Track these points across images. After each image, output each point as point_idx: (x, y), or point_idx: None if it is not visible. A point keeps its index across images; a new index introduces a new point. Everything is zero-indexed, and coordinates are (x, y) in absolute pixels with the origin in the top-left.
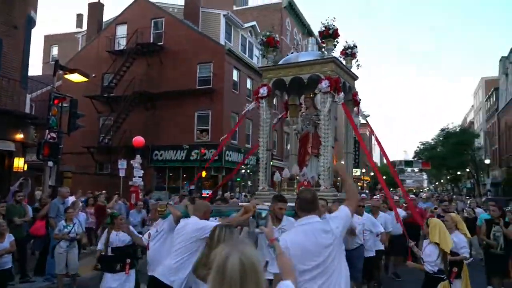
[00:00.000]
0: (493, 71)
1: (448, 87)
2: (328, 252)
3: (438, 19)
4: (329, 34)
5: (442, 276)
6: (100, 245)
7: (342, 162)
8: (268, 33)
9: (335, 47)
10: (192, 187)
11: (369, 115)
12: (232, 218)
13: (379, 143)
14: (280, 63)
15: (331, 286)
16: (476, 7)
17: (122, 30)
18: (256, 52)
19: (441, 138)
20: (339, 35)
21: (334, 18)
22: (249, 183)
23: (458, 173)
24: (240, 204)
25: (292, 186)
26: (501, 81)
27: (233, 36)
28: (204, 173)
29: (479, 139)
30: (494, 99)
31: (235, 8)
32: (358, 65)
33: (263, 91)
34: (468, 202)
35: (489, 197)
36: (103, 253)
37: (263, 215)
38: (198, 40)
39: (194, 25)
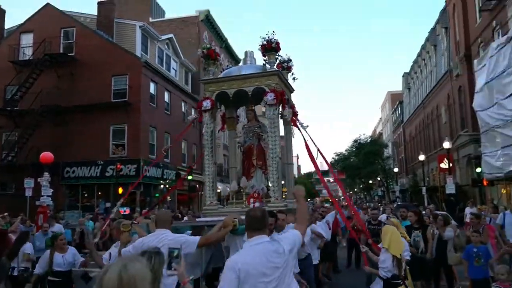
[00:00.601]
0: (398, 86)
1: (359, 100)
2: (279, 273)
3: (341, 37)
4: (272, 48)
5: (398, 281)
6: (38, 269)
7: (302, 187)
8: (208, 46)
9: (276, 60)
10: (108, 204)
11: (308, 126)
12: (210, 234)
13: (311, 156)
14: (221, 76)
15: None
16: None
17: (27, 39)
18: (173, 64)
19: (354, 149)
20: (280, 49)
21: (273, 32)
22: (168, 198)
23: (370, 181)
24: (202, 220)
25: (241, 198)
26: (405, 95)
27: (150, 48)
28: (120, 190)
29: (388, 149)
30: (399, 111)
31: (151, 20)
32: (294, 78)
33: (206, 104)
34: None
35: (399, 203)
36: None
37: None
38: (112, 52)
39: (108, 36)
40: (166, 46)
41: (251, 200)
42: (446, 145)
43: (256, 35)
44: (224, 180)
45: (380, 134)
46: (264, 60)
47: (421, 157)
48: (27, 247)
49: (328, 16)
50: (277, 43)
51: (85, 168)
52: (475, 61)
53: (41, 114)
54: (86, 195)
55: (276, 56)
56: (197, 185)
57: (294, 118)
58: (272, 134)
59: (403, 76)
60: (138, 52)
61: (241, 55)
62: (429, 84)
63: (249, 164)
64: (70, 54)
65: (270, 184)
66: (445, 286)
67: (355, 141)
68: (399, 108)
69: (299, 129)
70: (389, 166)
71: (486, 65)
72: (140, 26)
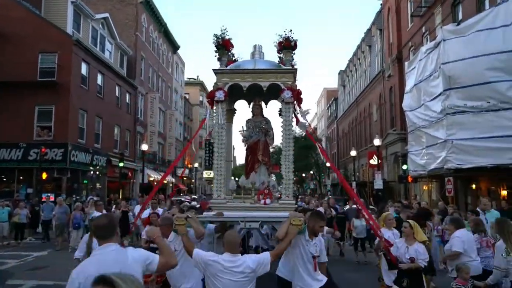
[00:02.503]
0: (334, 83)
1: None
2: None
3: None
4: (289, 46)
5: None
6: (79, 253)
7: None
8: (223, 35)
9: (292, 58)
10: (30, 190)
11: (308, 113)
12: (281, 246)
13: (322, 149)
14: (231, 67)
15: None
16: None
17: None
18: (108, 46)
19: None
20: (297, 47)
21: (291, 30)
22: (98, 185)
23: (303, 175)
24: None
25: (250, 194)
26: (340, 92)
27: (83, 26)
28: (44, 175)
29: (322, 144)
30: (334, 107)
31: None
32: (292, 66)
33: (220, 95)
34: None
35: (330, 196)
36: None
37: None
38: (40, 26)
39: (35, 9)
40: (101, 26)
41: (261, 196)
42: (376, 142)
43: (198, 23)
44: (157, 168)
45: (315, 129)
46: (279, 57)
47: (353, 153)
48: None
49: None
50: (295, 42)
51: (4, 150)
52: (406, 63)
53: None
54: (4, 179)
55: (292, 54)
56: (129, 173)
57: (310, 129)
58: (286, 132)
59: (339, 73)
60: (69, 29)
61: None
62: (363, 82)
63: (254, 159)
64: None
65: (283, 182)
66: None
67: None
68: (334, 105)
69: (314, 139)
70: (322, 160)
71: (415, 68)
72: (72, 2)
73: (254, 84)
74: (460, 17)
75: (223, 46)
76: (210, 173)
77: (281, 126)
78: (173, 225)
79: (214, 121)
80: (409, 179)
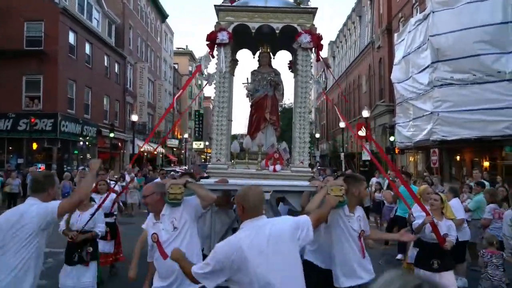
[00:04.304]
0: (324, 53)
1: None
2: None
3: None
4: None
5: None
6: (62, 225)
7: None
8: None
9: None
10: (21, 160)
11: (330, 67)
12: (321, 211)
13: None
14: (237, 4)
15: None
16: None
17: None
18: (95, 14)
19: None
20: None
21: None
22: (88, 156)
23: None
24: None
25: (256, 158)
26: (330, 62)
27: None
28: (35, 145)
29: (311, 115)
30: (324, 78)
31: None
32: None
33: (223, 36)
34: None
35: (319, 167)
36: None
37: None
38: None
39: None
40: None
41: (270, 161)
42: (365, 113)
43: None
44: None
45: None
46: None
47: (342, 124)
48: None
49: None
50: None
51: None
52: (396, 35)
53: None
54: None
55: None
56: (119, 143)
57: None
58: (303, 85)
59: (329, 44)
60: None
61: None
62: (353, 53)
63: (259, 117)
64: None
65: (296, 145)
66: None
67: (280, 105)
68: (323, 75)
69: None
70: (311, 131)
71: (404, 40)
72: None
73: (264, 27)
74: None
75: None
76: (200, 144)
77: (295, 77)
78: (167, 194)
79: (214, 70)
80: (396, 150)
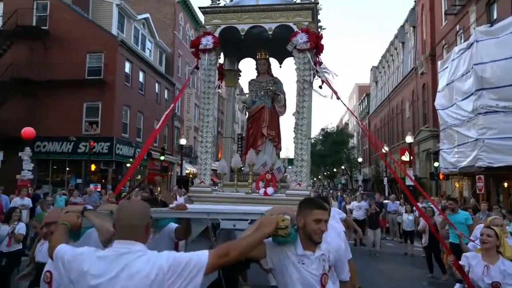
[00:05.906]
0: (366, 79)
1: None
2: None
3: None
4: None
5: None
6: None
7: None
8: None
9: None
10: (79, 180)
11: (334, 74)
12: (236, 242)
13: (368, 134)
14: (226, 5)
15: None
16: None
17: None
18: (148, 45)
19: (320, 137)
20: None
21: None
22: (138, 176)
23: (335, 170)
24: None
25: (246, 180)
26: (372, 87)
27: (126, 27)
28: (93, 167)
29: (353, 139)
30: (366, 103)
31: None
32: (320, 27)
33: (207, 41)
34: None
35: (362, 192)
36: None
37: None
38: (88, 28)
39: (83, 12)
40: (142, 26)
41: (261, 183)
42: (408, 139)
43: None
44: (193, 161)
45: (346, 124)
46: None
47: (385, 148)
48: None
49: None
50: None
51: (57, 143)
52: (439, 63)
53: (11, 87)
54: (56, 170)
55: None
56: (167, 166)
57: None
58: (300, 92)
59: (371, 69)
60: (114, 30)
61: None
62: (395, 79)
63: (256, 132)
64: (43, 28)
65: (296, 163)
66: None
67: (322, 129)
68: (366, 100)
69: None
70: (354, 155)
71: (448, 67)
72: (117, 4)
73: (257, 29)
74: (495, 16)
75: None
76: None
77: (299, 84)
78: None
79: (200, 77)
80: (441, 176)
